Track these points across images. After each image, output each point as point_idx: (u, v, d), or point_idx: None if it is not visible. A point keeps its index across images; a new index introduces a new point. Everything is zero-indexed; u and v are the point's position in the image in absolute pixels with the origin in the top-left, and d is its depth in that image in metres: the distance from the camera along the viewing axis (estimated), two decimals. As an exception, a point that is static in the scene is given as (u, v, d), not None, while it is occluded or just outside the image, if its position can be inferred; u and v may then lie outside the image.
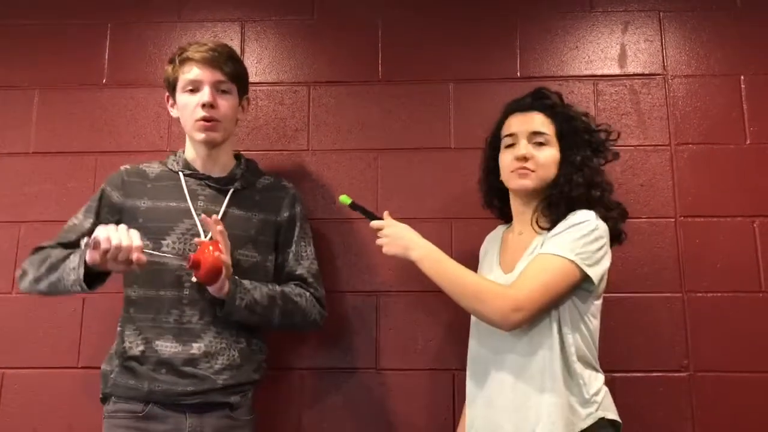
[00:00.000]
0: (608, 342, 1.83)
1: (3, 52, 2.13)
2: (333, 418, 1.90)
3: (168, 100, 1.71)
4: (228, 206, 1.64)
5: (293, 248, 1.72)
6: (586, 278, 1.41)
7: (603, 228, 1.45)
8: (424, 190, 1.98)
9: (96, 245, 1.34)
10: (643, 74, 2.05)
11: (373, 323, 1.93)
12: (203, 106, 1.59)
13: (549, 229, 1.49)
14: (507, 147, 1.57)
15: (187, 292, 1.56)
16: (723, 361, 1.86)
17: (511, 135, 1.56)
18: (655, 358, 1.86)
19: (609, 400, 1.47)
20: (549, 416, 1.38)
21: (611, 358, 1.84)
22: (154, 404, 1.52)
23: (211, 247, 1.45)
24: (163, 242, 1.57)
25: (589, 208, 1.47)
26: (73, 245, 1.57)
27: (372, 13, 2.12)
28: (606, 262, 1.45)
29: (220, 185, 1.67)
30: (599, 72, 2.06)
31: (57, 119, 2.08)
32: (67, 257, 1.49)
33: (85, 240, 1.39)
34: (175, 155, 1.71)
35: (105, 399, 1.59)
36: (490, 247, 1.69)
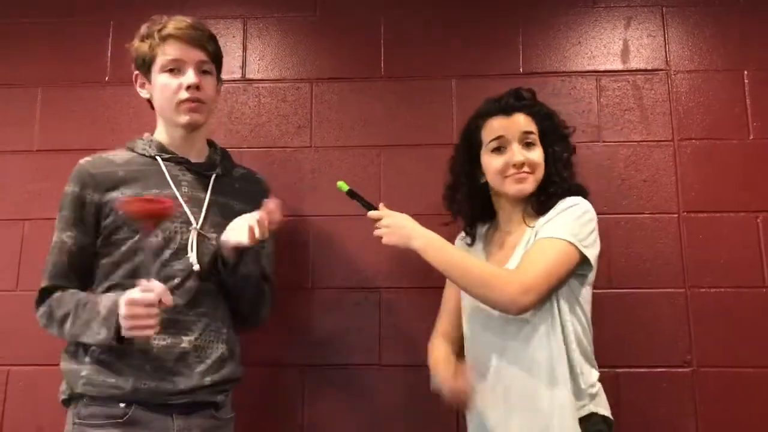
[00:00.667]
0: (611, 338, 1.85)
1: (6, 51, 2.14)
2: (336, 415, 1.90)
3: (136, 80, 1.60)
4: (212, 193, 1.57)
5: (265, 244, 1.63)
6: (582, 261, 1.42)
7: (593, 212, 1.48)
8: (427, 186, 1.98)
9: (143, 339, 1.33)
10: (645, 70, 2.05)
11: (375, 319, 1.93)
12: (188, 87, 1.50)
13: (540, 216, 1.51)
14: (494, 151, 1.55)
15: (178, 281, 1.47)
16: (726, 357, 1.86)
17: (497, 138, 1.54)
18: (658, 354, 1.86)
19: (602, 396, 1.47)
20: (561, 408, 1.37)
21: (614, 353, 1.85)
22: (137, 405, 1.40)
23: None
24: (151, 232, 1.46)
25: (574, 194, 1.52)
26: (71, 268, 1.48)
27: (374, 10, 2.12)
28: (599, 246, 1.47)
29: (201, 170, 1.59)
30: (602, 68, 2.06)
31: (60, 117, 2.08)
32: (86, 323, 1.40)
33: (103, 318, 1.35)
34: (143, 139, 1.60)
35: (71, 401, 1.45)
36: (471, 252, 1.65)
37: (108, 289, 1.47)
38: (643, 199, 1.96)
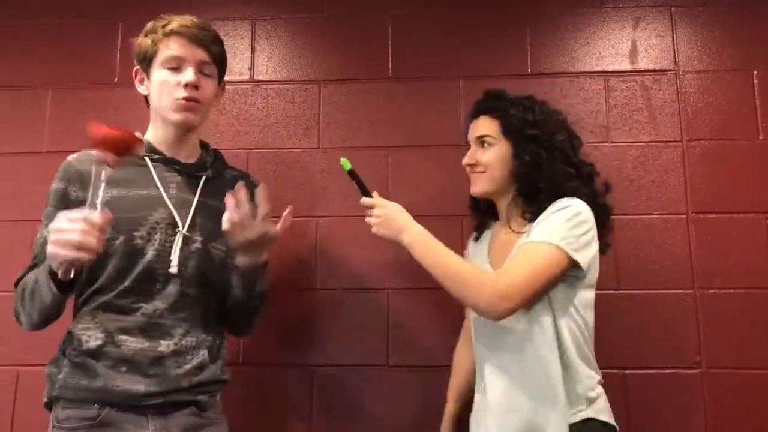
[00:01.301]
0: (620, 339, 1.84)
1: (15, 53, 2.15)
2: (344, 415, 1.90)
3: (136, 75, 1.57)
4: (200, 195, 1.52)
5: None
6: (574, 265, 1.39)
7: (587, 213, 1.43)
8: (435, 187, 1.98)
9: (60, 266, 1.23)
10: (654, 70, 2.04)
11: (384, 320, 1.94)
12: (186, 86, 1.47)
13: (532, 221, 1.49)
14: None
15: (160, 286, 1.43)
16: (735, 358, 1.85)
17: (470, 141, 1.62)
18: (667, 355, 1.86)
19: (603, 403, 1.44)
20: (552, 419, 1.37)
21: (623, 354, 1.85)
22: (110, 407, 1.36)
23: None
24: (136, 234, 1.42)
25: (569, 196, 1.47)
26: None
27: (382, 11, 2.12)
28: (593, 248, 1.43)
29: (191, 172, 1.55)
30: (610, 68, 2.05)
31: (69, 118, 2.09)
32: (36, 279, 1.36)
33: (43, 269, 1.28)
34: None
35: (50, 404, 1.42)
36: (477, 250, 1.67)
37: (94, 292, 1.44)
38: (651, 200, 1.95)
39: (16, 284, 1.47)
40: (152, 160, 1.52)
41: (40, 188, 2.02)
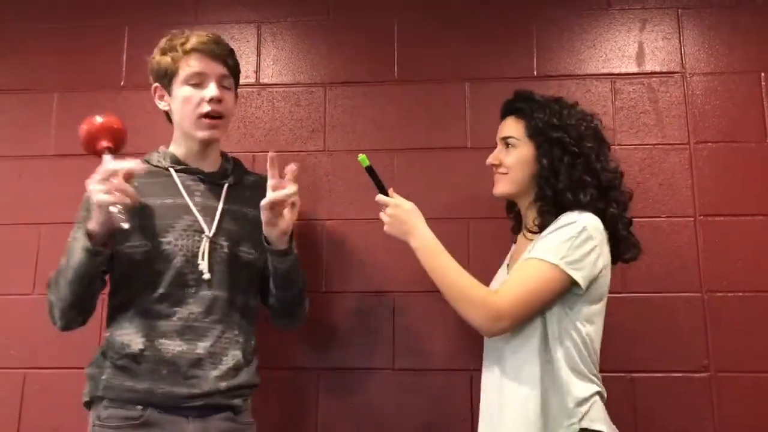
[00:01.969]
0: (627, 342, 1.84)
1: (22, 56, 2.16)
2: (349, 419, 1.90)
3: (155, 92, 1.62)
4: (225, 202, 1.60)
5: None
6: (573, 282, 1.38)
7: (594, 228, 1.41)
8: (441, 190, 1.98)
9: (102, 218, 1.35)
10: (661, 72, 2.04)
11: (389, 323, 1.93)
12: (210, 100, 1.54)
13: (540, 232, 1.48)
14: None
15: (192, 290, 1.50)
16: (744, 362, 1.84)
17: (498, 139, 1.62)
18: (674, 359, 1.85)
19: (598, 413, 1.40)
20: (515, 425, 1.39)
21: (630, 358, 1.84)
22: (153, 408, 1.43)
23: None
24: (164, 240, 1.50)
25: (580, 209, 1.45)
26: None
27: (387, 13, 2.12)
28: (599, 264, 1.41)
29: (213, 180, 1.62)
30: (617, 70, 2.05)
31: (76, 122, 2.08)
32: (69, 248, 1.44)
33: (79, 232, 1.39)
34: (158, 152, 1.65)
35: (91, 403, 1.49)
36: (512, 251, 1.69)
37: (128, 299, 1.51)
38: (659, 203, 1.94)
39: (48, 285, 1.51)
40: (176, 171, 1.59)
41: (47, 191, 2.05)
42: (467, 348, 1.88)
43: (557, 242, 1.40)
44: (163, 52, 1.58)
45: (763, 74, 2.00)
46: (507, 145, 1.56)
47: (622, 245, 1.50)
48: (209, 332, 1.50)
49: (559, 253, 1.38)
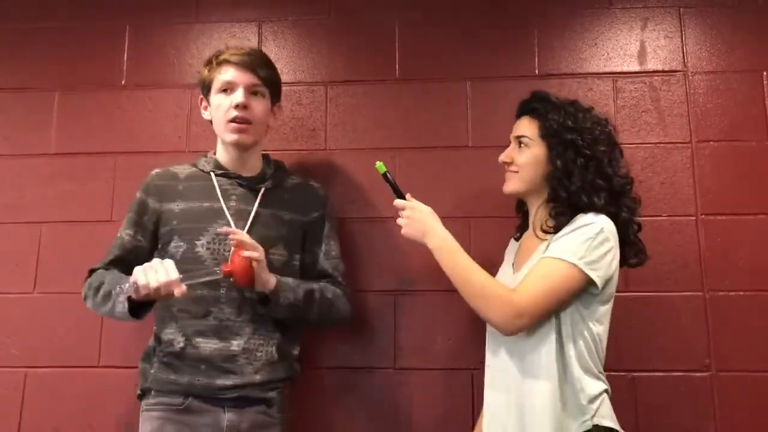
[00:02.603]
0: (629, 341, 1.83)
1: (23, 55, 2.16)
2: (351, 417, 1.90)
3: (201, 103, 1.74)
4: (259, 206, 1.68)
5: (323, 247, 1.76)
6: (590, 282, 1.40)
7: (609, 230, 1.43)
8: (442, 188, 1.97)
9: (137, 291, 1.41)
10: (663, 71, 2.03)
11: (391, 322, 1.93)
12: (236, 106, 1.62)
13: (555, 232, 1.48)
14: None
15: (224, 291, 1.59)
16: (745, 361, 1.84)
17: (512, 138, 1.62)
18: (676, 358, 1.85)
19: (607, 410, 1.43)
20: (542, 422, 1.39)
21: (632, 357, 1.84)
22: (193, 398, 1.56)
23: (244, 253, 1.49)
24: (198, 243, 1.61)
25: (595, 211, 1.45)
26: (121, 261, 1.64)
27: (389, 12, 2.11)
28: (613, 266, 1.43)
29: (251, 185, 1.70)
30: (618, 69, 2.04)
31: (77, 121, 2.10)
32: (117, 286, 1.53)
33: (126, 285, 1.46)
34: (206, 156, 1.75)
35: (143, 394, 1.62)
36: (511, 249, 1.69)
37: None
38: (660, 202, 1.94)
39: (91, 271, 1.64)
40: (216, 175, 1.70)
41: (48, 190, 2.05)
42: (468, 347, 1.88)
43: (576, 243, 1.41)
44: (205, 66, 1.71)
45: (765, 73, 2.00)
46: (520, 144, 1.56)
47: (630, 250, 1.52)
48: (242, 331, 1.59)
49: (578, 254, 1.39)
